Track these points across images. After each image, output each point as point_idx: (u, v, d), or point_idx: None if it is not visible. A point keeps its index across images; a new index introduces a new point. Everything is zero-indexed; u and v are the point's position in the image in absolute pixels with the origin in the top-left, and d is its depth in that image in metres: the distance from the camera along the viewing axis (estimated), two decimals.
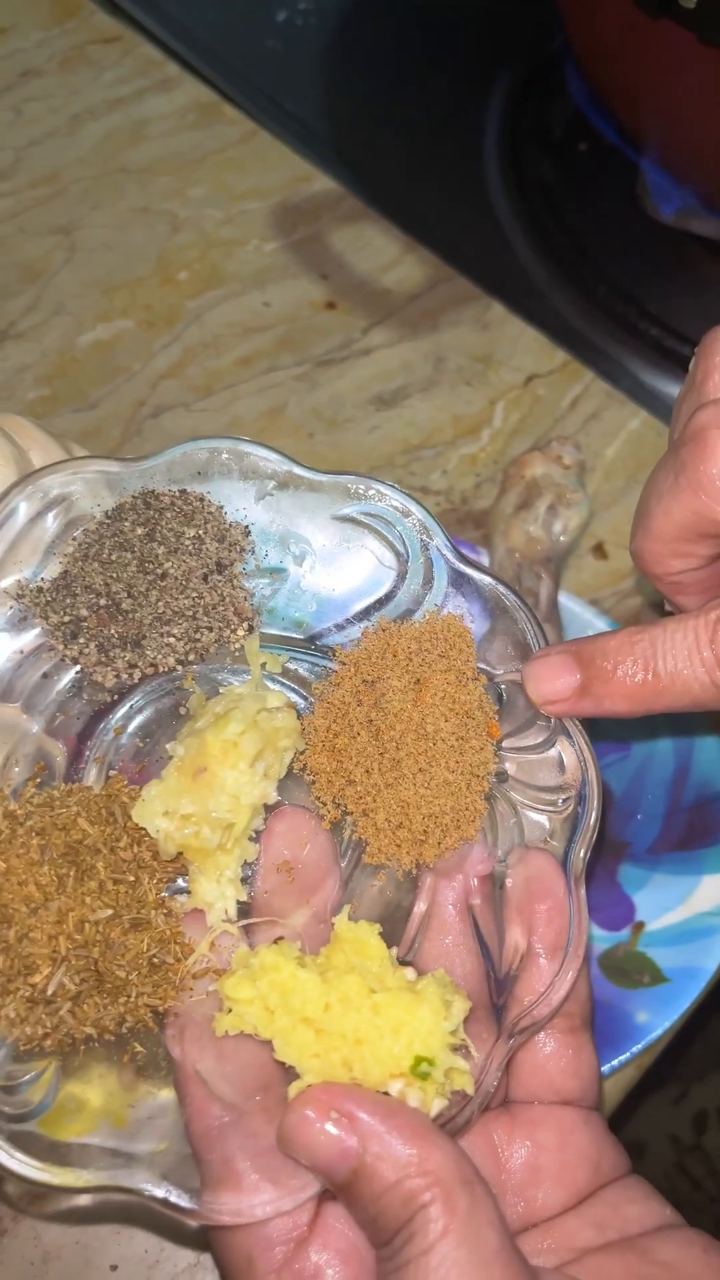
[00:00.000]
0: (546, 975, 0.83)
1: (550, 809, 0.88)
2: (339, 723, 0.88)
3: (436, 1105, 0.76)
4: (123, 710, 0.91)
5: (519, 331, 1.52)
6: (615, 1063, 1.07)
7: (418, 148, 1.72)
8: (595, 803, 0.86)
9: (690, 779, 1.17)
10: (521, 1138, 0.83)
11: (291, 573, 0.94)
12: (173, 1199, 0.77)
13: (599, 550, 1.36)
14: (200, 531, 0.90)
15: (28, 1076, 0.81)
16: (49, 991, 0.77)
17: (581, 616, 1.23)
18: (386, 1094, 0.75)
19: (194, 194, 1.61)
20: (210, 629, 0.89)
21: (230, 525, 0.91)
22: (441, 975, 0.80)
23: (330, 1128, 0.72)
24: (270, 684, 0.93)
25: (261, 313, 1.52)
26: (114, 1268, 1.02)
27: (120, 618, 0.87)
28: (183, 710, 0.91)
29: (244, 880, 0.86)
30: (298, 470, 0.92)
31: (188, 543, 0.89)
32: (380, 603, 0.93)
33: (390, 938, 0.82)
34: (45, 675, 0.89)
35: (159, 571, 0.88)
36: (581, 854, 0.85)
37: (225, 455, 0.92)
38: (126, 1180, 0.77)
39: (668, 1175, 1.99)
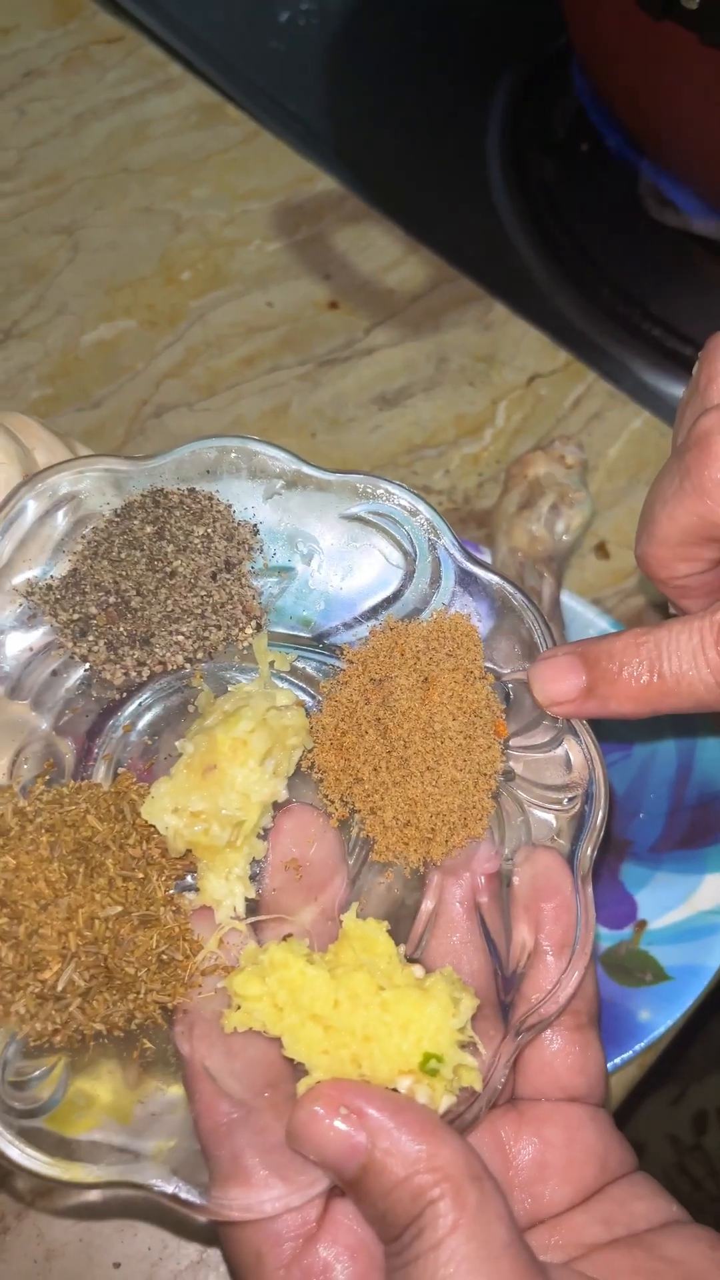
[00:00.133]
0: (553, 973, 0.83)
1: (557, 807, 0.88)
2: (347, 721, 0.88)
3: (445, 1102, 0.76)
4: (131, 708, 0.92)
5: (521, 332, 1.52)
6: (618, 1060, 1.07)
7: (420, 148, 1.72)
8: (602, 801, 0.86)
9: (693, 778, 1.17)
10: (529, 1134, 0.83)
11: (299, 571, 0.94)
12: (182, 1194, 0.77)
13: (601, 549, 1.37)
14: (209, 530, 0.90)
15: (38, 1072, 0.81)
16: (59, 987, 0.78)
17: (584, 616, 1.23)
18: (395, 1090, 0.76)
19: (197, 194, 1.61)
20: (219, 627, 0.89)
21: (239, 524, 0.91)
22: (449, 973, 0.81)
23: (339, 1124, 0.72)
24: (278, 682, 0.93)
25: (264, 312, 1.52)
26: (117, 1265, 1.02)
27: (129, 615, 0.88)
28: (191, 708, 0.91)
29: (252, 878, 0.87)
30: (306, 469, 0.92)
31: (196, 541, 0.89)
32: (388, 601, 0.93)
33: (398, 935, 0.83)
34: (54, 673, 0.90)
35: (168, 570, 0.88)
36: (589, 852, 0.86)
37: (234, 454, 0.92)
38: (136, 1175, 0.78)
39: (667, 1175, 1.99)
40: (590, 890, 0.85)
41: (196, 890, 0.86)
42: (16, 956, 0.78)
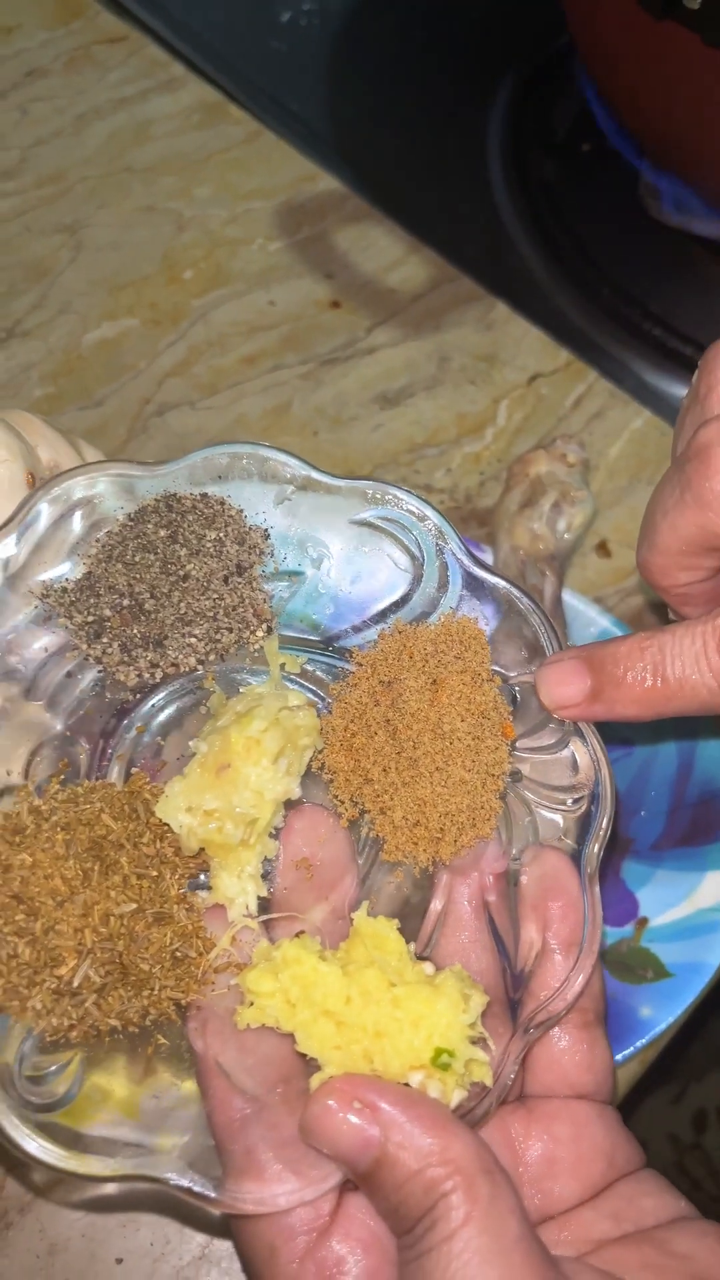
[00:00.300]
0: (561, 971, 0.84)
1: (564, 808, 0.89)
2: (356, 722, 0.89)
3: (456, 1096, 0.77)
4: (144, 709, 0.93)
5: (522, 331, 1.52)
6: (619, 1057, 1.07)
7: (421, 148, 1.73)
8: (609, 803, 0.87)
9: (694, 776, 1.18)
10: (538, 1131, 0.84)
11: (309, 575, 0.95)
12: (197, 1188, 0.77)
13: (602, 548, 1.37)
14: (221, 534, 0.91)
15: (54, 1067, 0.82)
16: (74, 983, 0.78)
17: (585, 614, 1.24)
18: (407, 1085, 0.76)
19: (199, 193, 1.61)
20: (230, 630, 0.90)
21: (250, 528, 0.92)
22: (459, 970, 0.82)
23: (353, 1118, 0.73)
24: (289, 685, 0.93)
25: (266, 311, 1.53)
26: (119, 1260, 1.02)
27: (143, 618, 0.88)
28: (203, 710, 0.92)
29: (263, 877, 0.87)
30: (316, 475, 0.93)
31: (209, 545, 0.90)
32: (396, 605, 0.94)
33: (407, 934, 0.83)
34: (69, 674, 0.91)
35: (181, 573, 0.89)
36: (595, 851, 0.86)
37: (245, 460, 0.93)
38: (151, 1170, 0.78)
39: (667, 1175, 1.98)
40: (597, 890, 0.85)
41: (209, 889, 0.86)
42: (33, 952, 0.79)
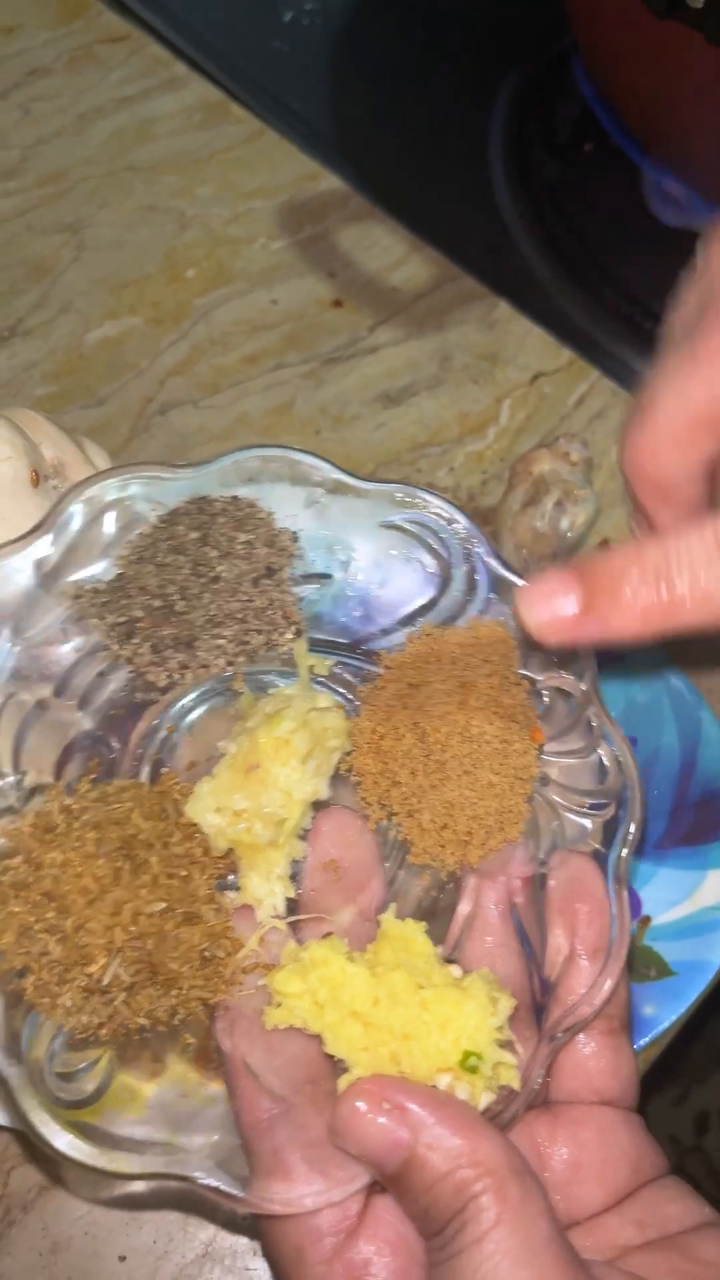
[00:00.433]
0: (588, 976, 0.84)
1: (591, 813, 0.89)
2: (384, 725, 0.89)
3: (484, 1099, 0.77)
4: (174, 709, 0.93)
5: (525, 330, 1.52)
6: None
7: (423, 147, 1.73)
8: (637, 807, 0.87)
9: (696, 774, 1.18)
10: (564, 1137, 0.83)
11: (338, 578, 0.95)
12: (224, 1188, 0.77)
13: (605, 546, 1.38)
14: (251, 536, 0.91)
15: (83, 1065, 0.82)
16: (104, 981, 0.79)
17: None
18: (434, 1087, 0.76)
19: (201, 192, 1.61)
20: (259, 632, 0.90)
21: (279, 531, 0.93)
22: (486, 973, 0.81)
23: (382, 1119, 0.72)
24: (317, 687, 0.94)
25: (268, 310, 1.53)
26: (122, 1258, 1.02)
27: (173, 619, 0.89)
28: (232, 711, 0.93)
29: (291, 878, 0.88)
30: (345, 478, 0.93)
31: (239, 547, 0.91)
32: (424, 609, 0.94)
33: (434, 937, 0.83)
34: (100, 674, 0.91)
35: (212, 575, 0.90)
36: (624, 855, 0.86)
37: (275, 463, 0.93)
38: (179, 1168, 0.78)
39: None
40: (625, 894, 0.85)
41: (237, 889, 0.87)
42: (64, 950, 0.79)
